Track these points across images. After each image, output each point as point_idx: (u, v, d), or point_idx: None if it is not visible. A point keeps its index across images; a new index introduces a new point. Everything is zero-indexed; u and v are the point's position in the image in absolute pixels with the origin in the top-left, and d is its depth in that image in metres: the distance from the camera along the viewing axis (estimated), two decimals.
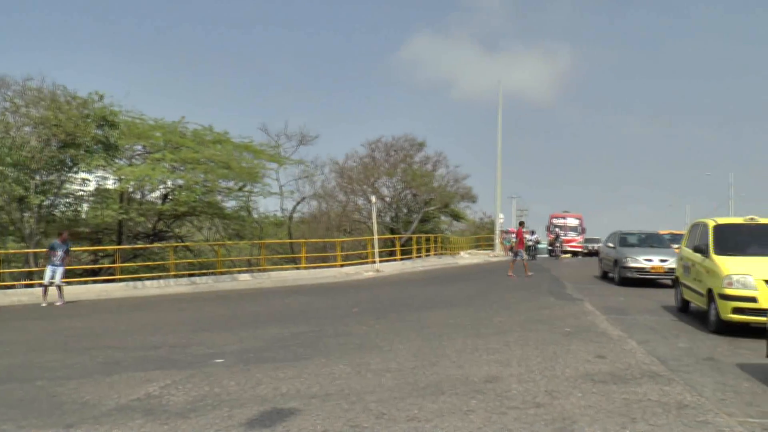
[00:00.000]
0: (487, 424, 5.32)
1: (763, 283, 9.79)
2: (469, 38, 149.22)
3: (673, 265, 16.72)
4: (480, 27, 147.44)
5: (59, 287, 15.80)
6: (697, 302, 11.64)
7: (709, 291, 10.72)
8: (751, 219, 11.68)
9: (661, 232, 29.91)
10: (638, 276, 18.43)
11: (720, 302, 10.12)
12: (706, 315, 11.02)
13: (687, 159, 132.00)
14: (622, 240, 20.68)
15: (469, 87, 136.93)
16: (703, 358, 8.29)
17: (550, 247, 39.71)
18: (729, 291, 9.99)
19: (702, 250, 11.30)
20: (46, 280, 15.81)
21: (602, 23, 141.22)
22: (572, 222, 47.19)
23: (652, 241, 20.84)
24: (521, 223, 25.71)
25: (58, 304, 15.47)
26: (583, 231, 46.72)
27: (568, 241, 43.93)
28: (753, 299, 9.75)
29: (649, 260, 18.52)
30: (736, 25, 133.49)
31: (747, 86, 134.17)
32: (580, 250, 44.50)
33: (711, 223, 11.80)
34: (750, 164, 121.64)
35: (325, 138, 64.15)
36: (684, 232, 28.57)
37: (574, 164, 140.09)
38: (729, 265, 10.34)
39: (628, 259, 18.63)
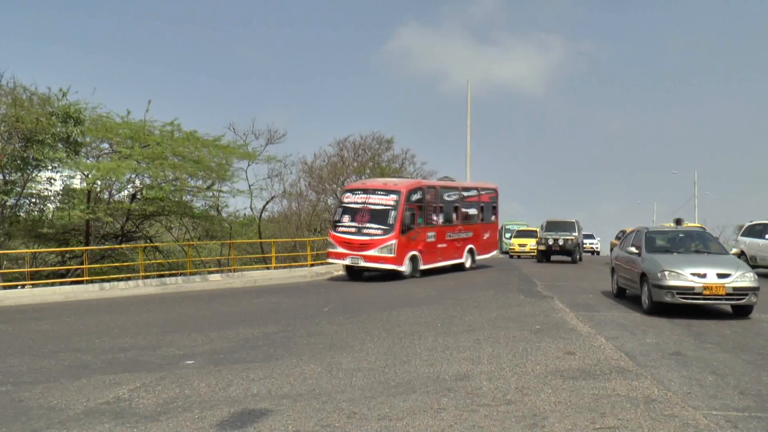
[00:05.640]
0: (458, 422, 5.35)
1: None
2: (460, 30, 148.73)
3: (742, 283, 11.48)
4: (472, 19, 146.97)
5: None
6: None
7: None
8: None
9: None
10: (683, 301, 11.58)
11: None
12: None
13: (656, 157, 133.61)
14: (650, 241, 13.62)
15: (461, 80, 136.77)
16: (669, 353, 8.42)
17: None
18: None
19: None
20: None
21: (595, 17, 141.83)
22: (379, 201, 20.03)
23: (697, 244, 13.61)
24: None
25: None
26: (414, 221, 20.12)
27: (361, 246, 19.38)
28: None
29: (701, 275, 11.63)
30: (734, 26, 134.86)
31: (730, 89, 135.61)
32: (390, 266, 19.23)
33: None
34: (713, 163, 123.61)
35: (302, 135, 63.84)
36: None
37: (552, 159, 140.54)
38: None
39: (665, 273, 11.79)
